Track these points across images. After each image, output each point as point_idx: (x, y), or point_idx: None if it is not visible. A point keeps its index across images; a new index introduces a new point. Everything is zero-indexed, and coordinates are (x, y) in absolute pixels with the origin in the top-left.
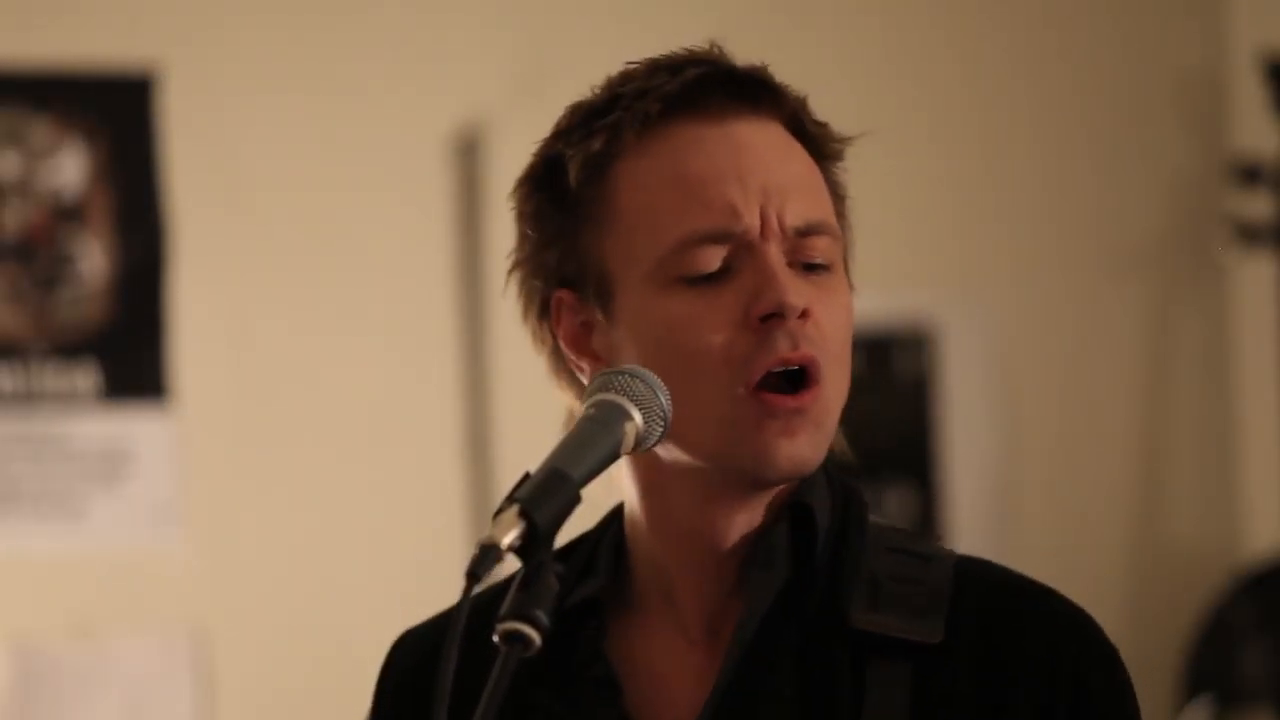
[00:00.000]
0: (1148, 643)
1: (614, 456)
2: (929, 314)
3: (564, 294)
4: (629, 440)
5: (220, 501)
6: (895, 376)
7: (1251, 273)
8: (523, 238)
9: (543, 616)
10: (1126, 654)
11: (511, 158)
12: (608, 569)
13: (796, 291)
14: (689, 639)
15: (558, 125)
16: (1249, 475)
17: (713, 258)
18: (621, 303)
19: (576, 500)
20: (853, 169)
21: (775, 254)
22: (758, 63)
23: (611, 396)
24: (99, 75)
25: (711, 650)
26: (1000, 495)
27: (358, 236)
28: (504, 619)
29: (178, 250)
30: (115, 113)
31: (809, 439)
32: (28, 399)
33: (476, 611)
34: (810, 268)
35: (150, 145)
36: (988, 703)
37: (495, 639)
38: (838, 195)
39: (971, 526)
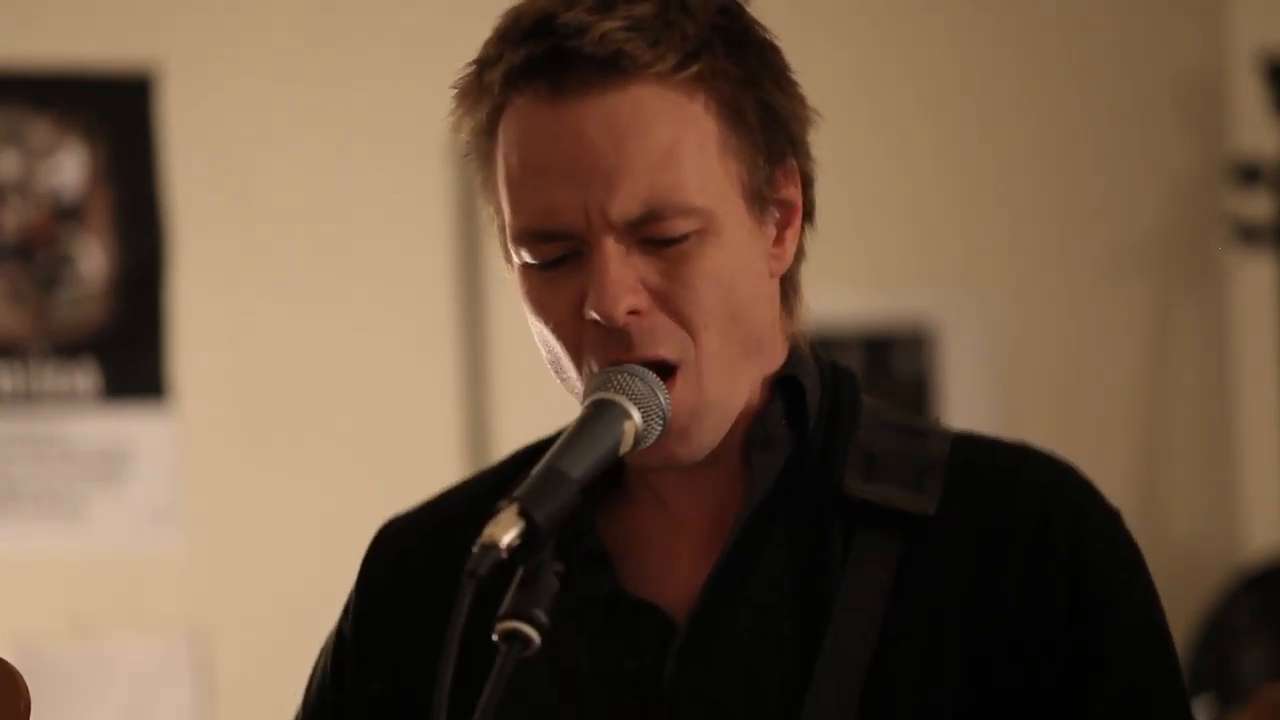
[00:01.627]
0: None
1: (613, 455)
2: (928, 314)
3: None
4: (628, 439)
5: (220, 502)
6: (895, 376)
7: (1251, 272)
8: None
9: (542, 615)
10: None
11: None
12: None
13: (624, 294)
14: (680, 518)
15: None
16: (1248, 475)
17: (548, 251)
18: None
19: (576, 499)
20: (853, 169)
21: (609, 249)
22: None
23: (610, 395)
24: (98, 75)
25: (705, 529)
26: None
27: (357, 236)
28: (503, 618)
29: (177, 250)
30: (115, 112)
31: (677, 440)
32: (27, 399)
33: (472, 499)
34: (663, 243)
35: (150, 145)
36: (977, 572)
37: (494, 638)
38: (758, 126)
39: None
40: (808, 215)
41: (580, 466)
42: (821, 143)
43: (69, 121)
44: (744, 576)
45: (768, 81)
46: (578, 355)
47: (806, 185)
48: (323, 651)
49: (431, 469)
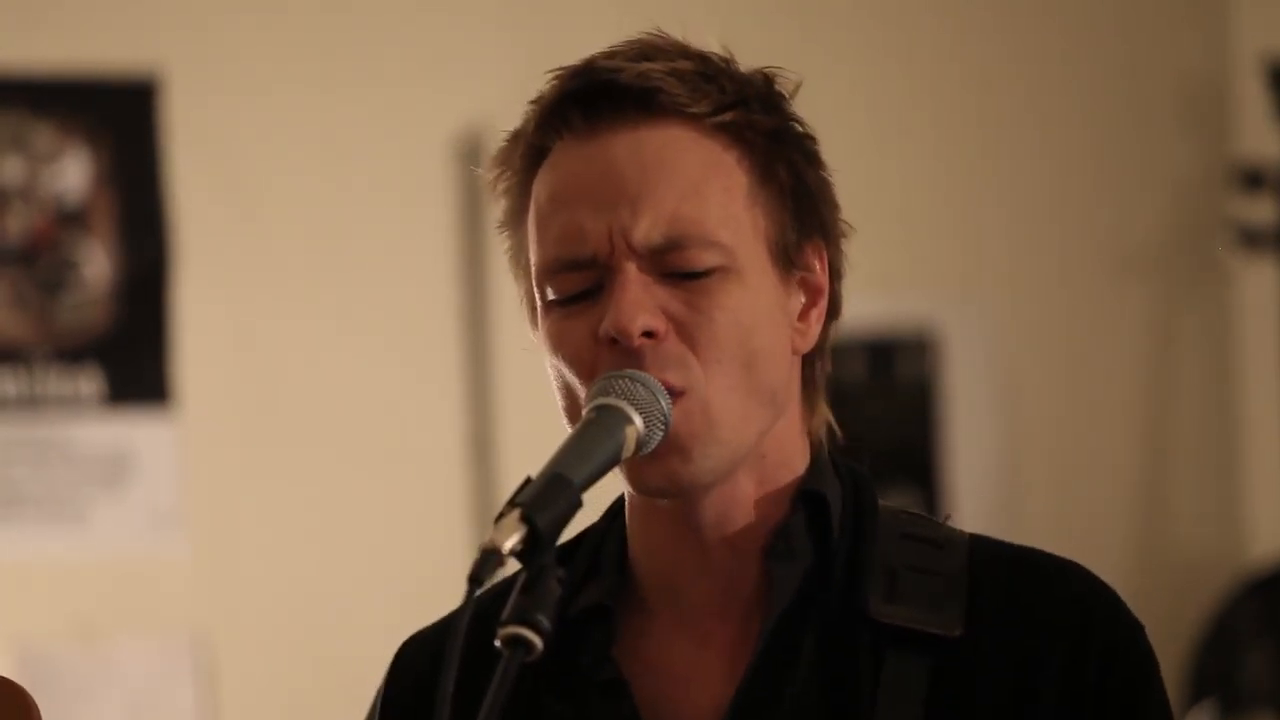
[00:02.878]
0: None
1: (615, 461)
2: (931, 318)
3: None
4: (630, 444)
5: (223, 506)
6: (897, 380)
7: (1254, 277)
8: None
9: (544, 621)
10: None
11: None
12: (612, 569)
13: (640, 314)
14: (699, 635)
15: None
16: (1252, 480)
17: (573, 283)
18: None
19: (578, 505)
20: (857, 173)
21: (630, 273)
22: (694, 55)
23: (612, 400)
24: (101, 79)
25: (727, 646)
26: (1002, 499)
27: (361, 240)
28: (506, 623)
29: (181, 255)
30: (118, 117)
31: (680, 459)
32: (31, 403)
33: (480, 616)
34: (686, 276)
35: (153, 149)
36: (1010, 689)
37: (497, 643)
38: (788, 190)
39: (974, 529)
40: (833, 309)
41: (582, 472)
42: (825, 147)
43: (72, 126)
44: (769, 700)
45: (799, 155)
46: (590, 379)
47: (834, 277)
48: None
49: (434, 473)
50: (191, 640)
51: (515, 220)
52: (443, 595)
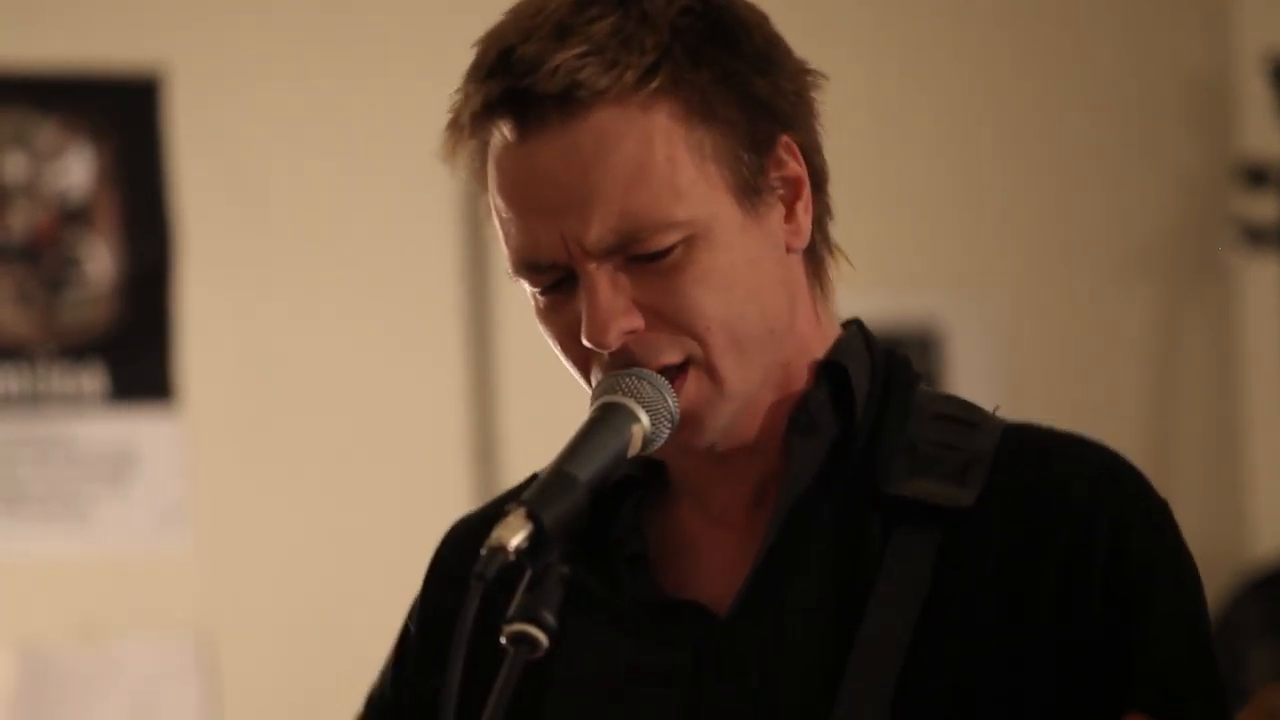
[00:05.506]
0: None
1: (621, 458)
2: (935, 315)
3: None
4: (636, 442)
5: (227, 504)
6: None
7: (1258, 274)
8: None
9: (550, 618)
10: None
11: None
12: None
13: (613, 321)
14: (719, 512)
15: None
16: (1255, 476)
17: (542, 279)
18: None
19: (584, 502)
20: (861, 171)
21: (593, 275)
22: (611, 8)
23: (618, 399)
24: (105, 77)
25: (748, 524)
26: None
27: (364, 238)
28: (512, 621)
29: (184, 252)
30: (122, 115)
31: (692, 429)
32: (34, 401)
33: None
34: (651, 258)
35: (157, 147)
36: (1015, 561)
37: (503, 640)
38: (738, 119)
39: None
40: (818, 182)
41: (588, 470)
42: (828, 145)
43: (76, 124)
44: (784, 573)
45: (744, 70)
46: (586, 373)
47: (811, 152)
48: (395, 644)
49: (438, 471)
50: (195, 638)
51: (481, 187)
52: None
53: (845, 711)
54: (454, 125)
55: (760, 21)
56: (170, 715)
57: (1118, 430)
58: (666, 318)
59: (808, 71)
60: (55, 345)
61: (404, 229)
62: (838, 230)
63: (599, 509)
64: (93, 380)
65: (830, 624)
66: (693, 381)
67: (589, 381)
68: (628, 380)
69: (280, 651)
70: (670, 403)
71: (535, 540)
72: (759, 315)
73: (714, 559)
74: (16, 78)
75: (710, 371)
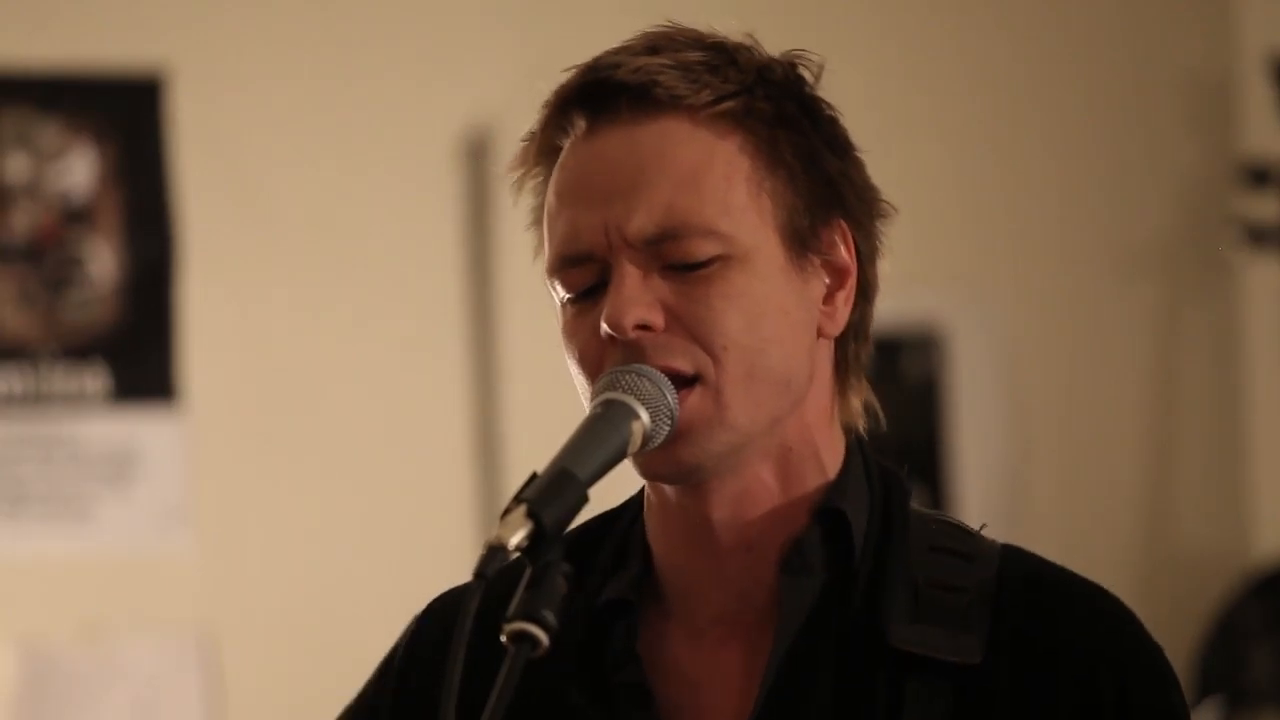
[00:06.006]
0: None
1: (621, 456)
2: (938, 316)
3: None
4: (636, 439)
5: (229, 503)
6: (904, 379)
7: (1260, 274)
8: None
9: (550, 617)
10: None
11: None
12: (637, 562)
13: (634, 308)
14: (715, 641)
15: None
16: (1257, 477)
17: (577, 279)
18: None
19: (584, 500)
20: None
21: (626, 267)
22: (707, 45)
23: (618, 395)
24: (108, 77)
25: (743, 657)
26: (1009, 496)
27: (367, 238)
28: (512, 619)
29: (187, 252)
30: (124, 115)
31: (684, 444)
32: (36, 401)
33: (496, 596)
34: (686, 267)
35: (159, 147)
36: (1031, 715)
37: (503, 637)
38: (798, 171)
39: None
40: (864, 290)
41: (588, 467)
42: None
43: (79, 123)
44: (791, 712)
45: (819, 142)
46: (595, 377)
47: (865, 259)
48: (365, 684)
49: (440, 470)
50: (197, 638)
51: (539, 220)
52: (457, 573)
53: None
54: (531, 134)
55: (839, 118)
56: (172, 715)
57: (1121, 430)
58: (688, 326)
59: (875, 191)
60: (57, 345)
61: (407, 229)
62: None
63: (593, 627)
64: (95, 380)
65: None
66: (697, 397)
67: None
68: (628, 377)
69: (282, 651)
70: (670, 400)
71: (535, 538)
72: (779, 360)
73: (710, 691)
74: (19, 78)
75: (717, 394)
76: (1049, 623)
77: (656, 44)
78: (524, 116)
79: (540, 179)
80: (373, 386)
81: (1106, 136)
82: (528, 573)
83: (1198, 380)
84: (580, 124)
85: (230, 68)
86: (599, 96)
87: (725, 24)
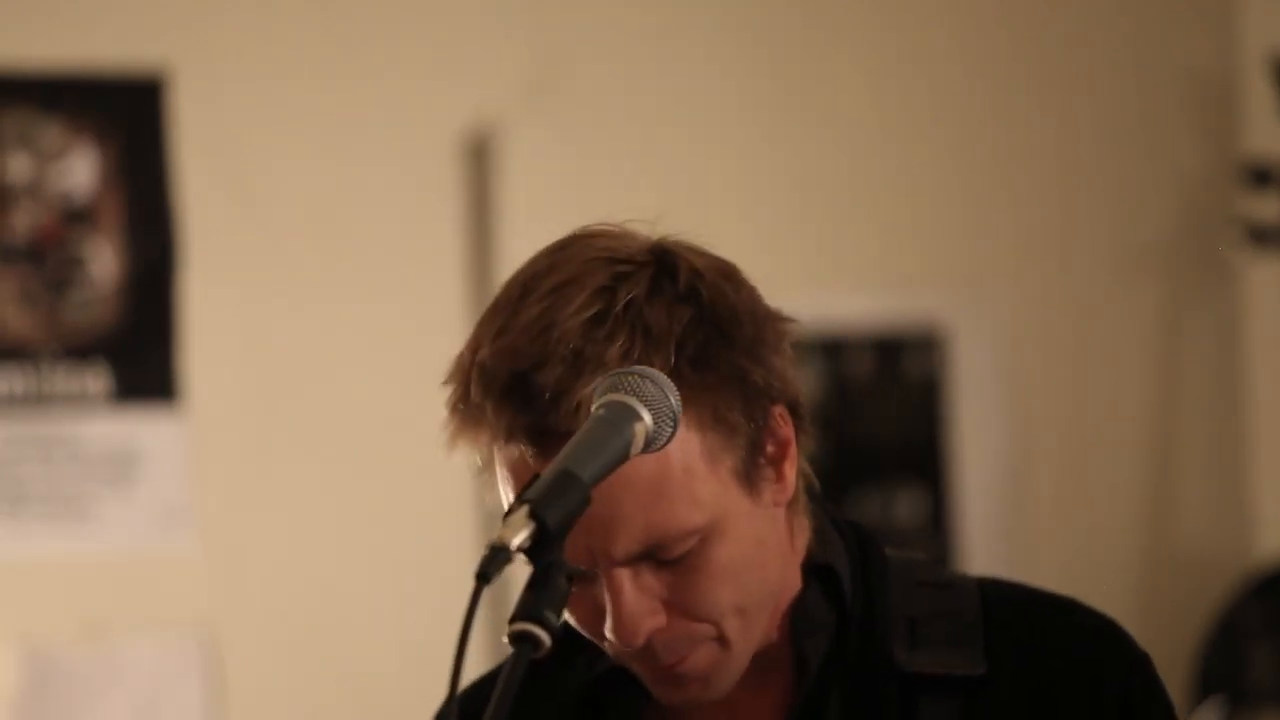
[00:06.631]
0: (1158, 644)
1: (624, 457)
2: (939, 315)
3: None
4: (639, 441)
5: (230, 504)
6: (905, 378)
7: (1262, 273)
8: None
9: (552, 617)
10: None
11: (520, 160)
12: None
13: (641, 624)
14: (729, 705)
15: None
16: (1259, 477)
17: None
18: None
19: (586, 501)
20: (865, 171)
21: (618, 581)
22: (592, 340)
23: (621, 397)
24: (108, 77)
25: (757, 698)
26: (1011, 496)
27: (368, 239)
28: (514, 620)
29: (188, 252)
30: (125, 115)
31: (700, 688)
32: (38, 401)
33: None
34: (673, 560)
35: (160, 148)
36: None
37: (505, 639)
38: (740, 415)
39: (982, 527)
40: (798, 413)
41: (590, 469)
42: (835, 147)
43: (80, 124)
44: None
45: (742, 363)
46: (613, 649)
47: (794, 408)
48: None
49: (439, 471)
50: (199, 638)
51: (490, 484)
52: (450, 592)
53: None
54: (462, 418)
55: (746, 300)
56: (174, 715)
57: (1123, 429)
58: (688, 611)
59: (783, 321)
60: (59, 346)
61: (407, 230)
62: (846, 230)
63: (592, 701)
64: (96, 380)
65: None
66: (704, 652)
67: (608, 649)
68: (630, 378)
69: (283, 651)
70: (673, 401)
71: (538, 539)
72: (761, 585)
73: None
74: (20, 78)
75: (721, 641)
76: (1045, 637)
77: (579, 349)
78: (524, 118)
79: (480, 444)
80: (373, 386)
81: (1108, 136)
82: (530, 573)
83: (1199, 380)
84: (529, 456)
85: (231, 68)
86: (544, 438)
87: (730, 26)
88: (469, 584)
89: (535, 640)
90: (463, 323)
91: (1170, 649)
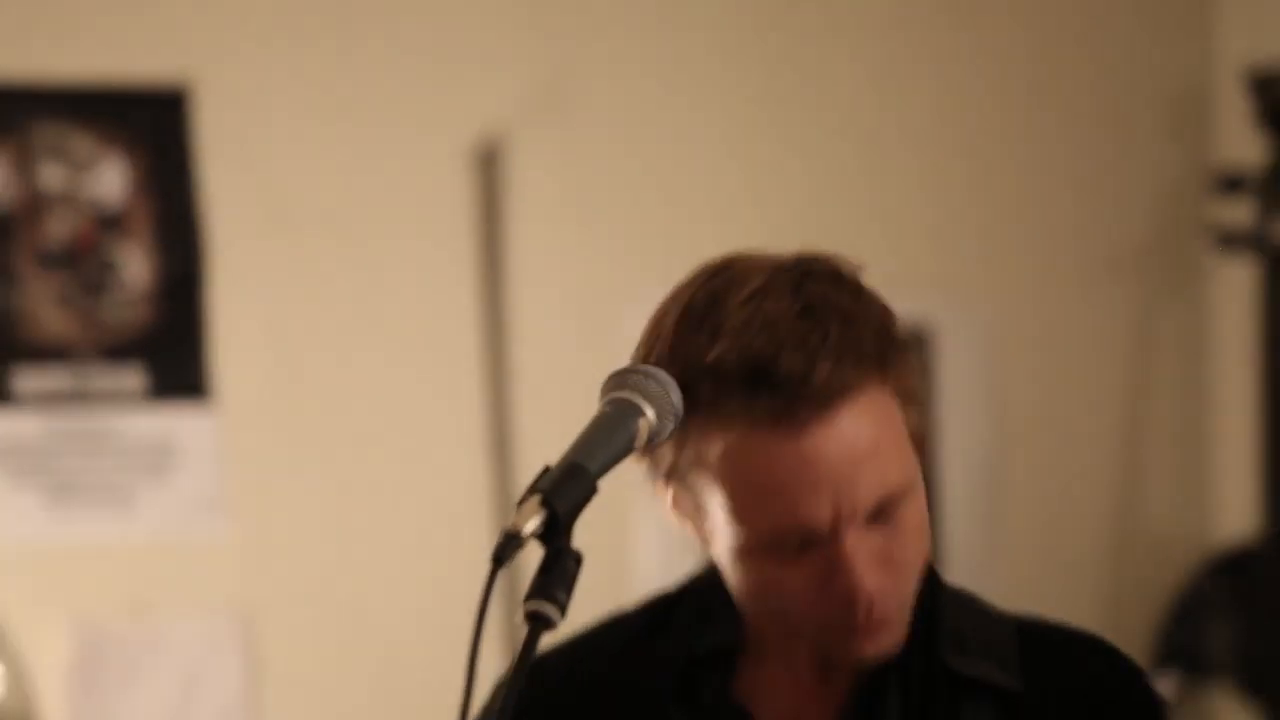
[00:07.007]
0: (1124, 620)
1: (628, 450)
2: (924, 319)
3: (671, 486)
4: (642, 435)
5: (260, 492)
6: None
7: (1230, 276)
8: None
9: (563, 596)
10: (1106, 630)
11: (529, 169)
12: (727, 619)
13: (871, 582)
14: (797, 681)
15: (670, 343)
16: (1221, 467)
17: (787, 545)
18: (716, 539)
19: (593, 491)
20: (850, 178)
21: (851, 543)
22: (836, 316)
23: (626, 394)
24: (135, 90)
25: (826, 688)
26: (989, 484)
27: (385, 244)
28: (528, 599)
29: (216, 258)
30: (152, 126)
31: (888, 636)
32: (79, 398)
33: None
34: (886, 519)
35: (187, 157)
36: None
37: (519, 619)
38: (910, 404)
39: (963, 512)
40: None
41: (597, 460)
42: (822, 155)
43: (110, 135)
44: None
45: (904, 362)
46: (817, 623)
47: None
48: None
49: (457, 461)
50: (236, 616)
51: (688, 492)
52: (468, 576)
53: None
54: (708, 424)
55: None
56: (215, 688)
57: (1095, 427)
58: (895, 570)
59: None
60: (96, 346)
61: (423, 234)
62: (829, 234)
63: (691, 675)
64: (133, 378)
65: None
66: (895, 605)
67: (811, 629)
68: (635, 377)
69: (315, 627)
70: (674, 398)
71: (549, 525)
72: (928, 548)
73: (802, 714)
74: (52, 90)
75: (903, 603)
76: (1076, 665)
77: (803, 335)
78: (530, 128)
79: (698, 448)
80: (391, 383)
81: (1085, 145)
82: (542, 557)
83: (1168, 376)
84: (788, 429)
85: (251, 81)
86: (794, 413)
87: (733, 41)
88: (485, 567)
89: (546, 618)
90: (475, 323)
91: (1133, 623)
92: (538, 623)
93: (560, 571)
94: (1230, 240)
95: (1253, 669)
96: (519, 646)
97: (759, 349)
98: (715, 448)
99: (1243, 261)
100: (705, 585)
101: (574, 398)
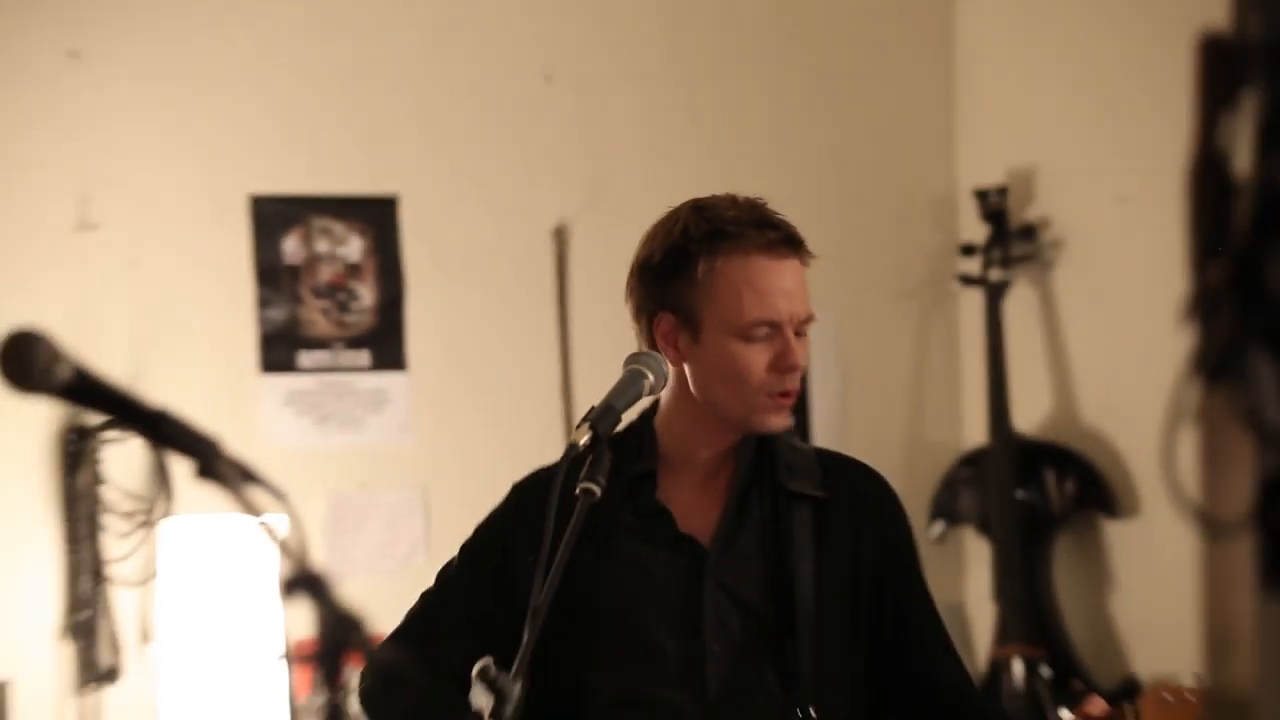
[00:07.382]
0: (911, 494)
1: (639, 397)
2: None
3: (668, 315)
4: (646, 388)
5: (432, 422)
6: None
7: (969, 301)
8: (644, 277)
9: (602, 479)
10: (902, 496)
11: (584, 247)
12: (651, 449)
13: (800, 355)
14: (699, 484)
15: (685, 227)
16: (967, 406)
17: (762, 331)
18: (705, 337)
19: (618, 420)
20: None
21: (792, 335)
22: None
23: (637, 366)
24: (368, 197)
25: (715, 492)
26: (839, 421)
27: (501, 289)
28: (581, 481)
29: (409, 291)
30: (378, 219)
31: (783, 418)
32: (335, 369)
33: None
34: (800, 333)
35: (395, 236)
36: (853, 534)
37: (576, 492)
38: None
39: (823, 441)
40: None
41: (621, 402)
42: (650, 188)
43: (352, 224)
44: (740, 522)
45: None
46: (763, 388)
47: None
48: (478, 532)
49: (542, 405)
50: (419, 492)
51: (700, 277)
52: (547, 459)
53: (803, 601)
54: (722, 242)
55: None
56: (406, 533)
57: (896, 385)
58: (801, 363)
59: None
60: (344, 339)
61: (521, 280)
62: None
63: (629, 488)
64: (363, 357)
65: (768, 555)
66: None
67: (756, 389)
68: (642, 357)
69: (465, 503)
70: (665, 369)
71: (594, 440)
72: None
73: (697, 513)
74: (325, 197)
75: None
76: (856, 482)
77: (772, 211)
78: (589, 217)
79: (700, 248)
80: (508, 370)
81: (878, 227)
82: (590, 456)
83: (936, 357)
84: (780, 251)
85: (431, 193)
86: (788, 242)
87: (740, 113)
88: (559, 454)
89: (592, 491)
90: (553, 337)
91: (921, 494)
92: (588, 495)
93: (600, 465)
94: (968, 280)
95: (983, 519)
96: (575, 515)
97: (760, 211)
98: (735, 263)
99: (975, 293)
100: (637, 429)
101: (611, 364)
